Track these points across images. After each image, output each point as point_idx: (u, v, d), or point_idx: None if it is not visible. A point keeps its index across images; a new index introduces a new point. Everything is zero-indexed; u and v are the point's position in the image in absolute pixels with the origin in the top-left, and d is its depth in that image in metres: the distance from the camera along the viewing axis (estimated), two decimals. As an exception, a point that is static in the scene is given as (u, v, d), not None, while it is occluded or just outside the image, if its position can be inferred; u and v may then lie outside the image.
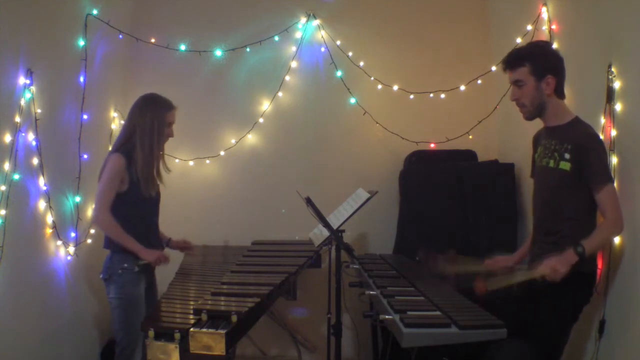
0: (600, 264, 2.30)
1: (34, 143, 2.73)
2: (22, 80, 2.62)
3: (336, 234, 2.69)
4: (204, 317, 2.06)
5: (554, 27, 2.85)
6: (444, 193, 3.39)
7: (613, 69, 2.28)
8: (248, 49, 3.75)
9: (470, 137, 3.71)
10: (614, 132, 2.29)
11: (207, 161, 3.84)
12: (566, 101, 2.66)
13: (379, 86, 3.76)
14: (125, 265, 2.59)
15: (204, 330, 1.98)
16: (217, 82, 3.84)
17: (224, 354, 1.96)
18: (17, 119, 2.59)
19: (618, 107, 2.27)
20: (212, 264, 3.08)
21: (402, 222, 3.57)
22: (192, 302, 2.29)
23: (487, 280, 2.14)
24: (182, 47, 3.73)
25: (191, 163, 3.83)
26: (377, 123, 3.72)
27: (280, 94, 3.80)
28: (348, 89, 3.74)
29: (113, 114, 3.64)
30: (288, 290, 2.99)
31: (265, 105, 3.80)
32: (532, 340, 2.20)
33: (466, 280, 2.28)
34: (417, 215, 3.42)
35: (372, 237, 3.82)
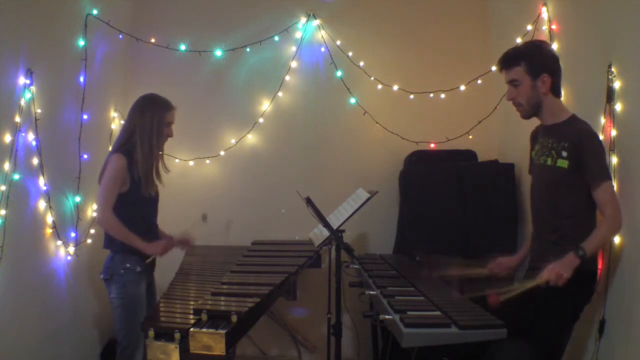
0: (600, 263, 2.30)
1: (34, 143, 2.73)
2: (22, 80, 2.62)
3: (336, 234, 2.69)
4: (204, 317, 2.06)
5: (554, 27, 2.85)
6: (444, 193, 3.39)
7: (613, 69, 2.28)
8: (248, 49, 3.76)
9: (470, 137, 3.71)
10: (614, 132, 2.29)
11: (207, 161, 3.84)
12: (566, 101, 2.67)
13: (379, 86, 3.76)
14: (127, 265, 2.59)
15: (204, 330, 1.98)
16: (217, 82, 3.84)
17: (224, 354, 1.96)
18: (17, 119, 2.59)
19: (618, 107, 2.27)
20: (212, 264, 3.08)
21: (402, 222, 3.57)
22: (192, 302, 2.29)
23: (499, 291, 2.12)
24: (182, 47, 3.73)
25: (191, 163, 3.83)
26: (377, 123, 3.72)
27: (280, 94, 3.80)
28: (348, 89, 3.74)
29: (113, 114, 3.64)
30: (288, 290, 2.99)
31: (265, 105, 3.80)
32: (533, 340, 2.20)
33: (471, 285, 2.27)
34: (417, 215, 3.41)
35: (372, 237, 3.82)
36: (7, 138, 2.52)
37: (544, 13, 2.93)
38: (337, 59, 3.74)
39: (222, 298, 2.33)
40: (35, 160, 2.75)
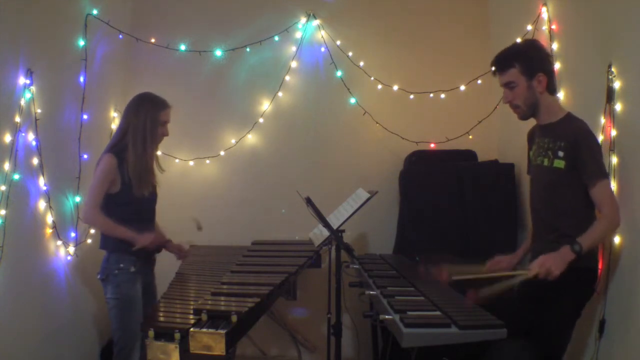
0: (600, 262, 2.30)
1: (34, 143, 2.73)
2: (22, 80, 2.62)
3: (336, 234, 2.69)
4: (204, 317, 2.06)
5: (554, 27, 2.85)
6: (444, 193, 3.39)
7: (613, 69, 2.28)
8: (248, 49, 3.76)
9: (470, 137, 3.71)
10: (614, 132, 2.29)
11: (207, 161, 3.84)
12: (566, 101, 2.67)
13: (379, 86, 3.76)
14: (122, 265, 2.59)
15: (204, 330, 1.98)
16: (217, 82, 3.84)
17: (224, 354, 1.96)
18: (17, 119, 2.59)
19: (618, 107, 2.27)
20: (212, 264, 3.08)
21: (402, 222, 3.57)
22: (192, 302, 2.29)
23: (479, 290, 2.11)
24: (182, 47, 3.73)
25: (191, 163, 3.83)
26: (377, 123, 3.72)
27: (280, 94, 3.80)
28: (348, 89, 3.74)
29: (113, 114, 3.64)
30: (288, 290, 2.99)
31: (265, 105, 3.80)
32: (534, 339, 2.20)
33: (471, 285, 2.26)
34: (417, 215, 3.41)
35: (372, 237, 3.82)
36: (7, 138, 2.52)
37: (544, 13, 2.93)
38: (337, 59, 3.74)
39: (222, 298, 2.33)
40: (35, 160, 2.75)
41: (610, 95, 2.29)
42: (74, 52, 3.11)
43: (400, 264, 3.07)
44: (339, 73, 3.75)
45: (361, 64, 3.75)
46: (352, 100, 3.75)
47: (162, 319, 2.17)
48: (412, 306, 2.10)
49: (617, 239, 2.26)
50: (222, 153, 3.82)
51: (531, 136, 2.44)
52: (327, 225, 2.64)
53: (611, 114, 2.30)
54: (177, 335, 1.93)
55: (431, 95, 3.75)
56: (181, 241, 3.00)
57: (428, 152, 3.69)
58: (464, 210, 3.34)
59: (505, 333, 1.90)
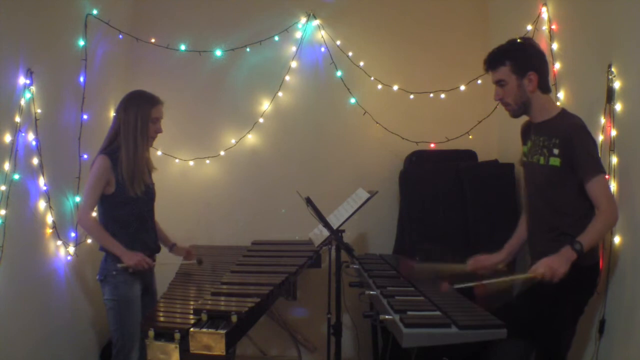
0: (600, 262, 2.29)
1: (34, 143, 2.73)
2: (22, 80, 2.62)
3: (336, 234, 2.69)
4: (204, 317, 2.06)
5: (554, 27, 2.85)
6: (444, 193, 3.39)
7: (613, 69, 2.28)
8: (248, 49, 3.75)
9: (470, 137, 3.71)
10: (614, 132, 2.29)
11: (207, 161, 3.84)
12: (566, 101, 2.67)
13: (379, 86, 3.76)
14: (119, 266, 2.58)
15: (204, 330, 1.98)
16: (217, 82, 3.84)
17: (224, 354, 1.96)
18: (17, 119, 2.59)
19: (618, 107, 2.27)
20: (212, 264, 3.08)
21: (402, 222, 3.57)
22: (192, 302, 2.29)
23: (487, 282, 2.12)
24: (182, 47, 3.73)
25: (191, 163, 3.83)
26: (377, 123, 3.72)
27: (280, 94, 3.80)
28: (348, 89, 3.74)
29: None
30: (288, 290, 2.99)
31: (265, 105, 3.81)
32: (536, 339, 2.20)
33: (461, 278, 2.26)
34: (417, 215, 3.41)
35: (372, 237, 3.82)
36: (7, 138, 2.52)
37: (544, 13, 2.93)
38: (337, 59, 3.74)
39: (222, 298, 2.33)
40: (35, 160, 2.75)
41: (610, 95, 2.29)
42: (74, 52, 3.11)
43: (400, 264, 3.07)
44: (339, 73, 3.75)
45: (361, 64, 3.75)
46: (352, 100, 3.75)
47: (162, 319, 2.17)
48: (412, 306, 2.11)
49: (617, 239, 2.26)
50: (222, 153, 3.82)
51: (526, 131, 2.42)
52: (327, 225, 2.64)
53: (611, 114, 2.30)
54: (177, 335, 1.93)
55: (431, 95, 3.75)
56: (181, 241, 3.00)
57: (428, 152, 3.69)
58: (464, 210, 3.34)
59: (505, 333, 1.90)
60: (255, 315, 2.33)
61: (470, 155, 3.67)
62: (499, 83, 2.25)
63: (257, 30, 3.75)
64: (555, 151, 2.15)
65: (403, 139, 3.71)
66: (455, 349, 2.07)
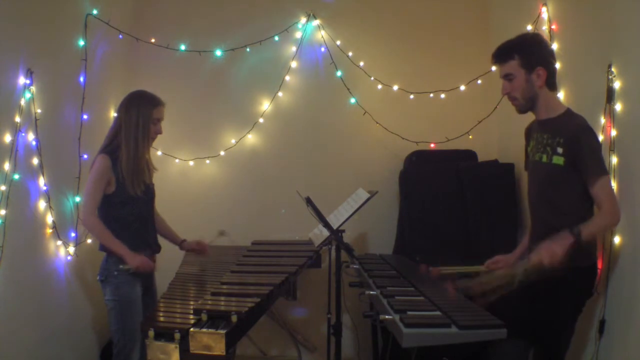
0: (600, 263, 2.29)
1: (34, 143, 2.73)
2: (22, 80, 2.62)
3: (336, 234, 2.69)
4: (204, 317, 2.06)
5: (554, 27, 2.85)
6: (444, 193, 3.39)
7: (613, 69, 2.28)
8: (248, 49, 3.75)
9: (470, 137, 3.71)
10: (614, 132, 2.29)
11: (207, 161, 3.84)
12: (566, 101, 2.67)
13: (379, 86, 3.76)
14: (121, 266, 2.58)
15: (204, 330, 1.98)
16: (217, 82, 3.84)
17: (224, 354, 1.96)
18: (17, 119, 2.59)
19: (618, 107, 2.27)
20: (212, 264, 3.08)
21: (402, 222, 3.57)
22: (192, 302, 2.29)
23: (483, 280, 2.12)
24: (182, 47, 3.73)
25: (191, 163, 3.83)
26: (377, 123, 3.72)
27: (280, 94, 3.80)
28: (348, 89, 3.74)
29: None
30: (288, 290, 2.99)
31: (265, 105, 3.81)
32: (536, 339, 2.20)
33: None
34: (417, 215, 3.41)
35: (372, 237, 3.82)
36: (7, 138, 2.52)
37: (544, 13, 2.93)
38: (337, 59, 3.74)
39: (222, 298, 2.33)
40: (35, 160, 2.75)
41: (610, 95, 2.29)
42: (74, 52, 3.11)
43: (400, 264, 3.07)
44: (339, 73, 3.75)
45: (361, 64, 3.75)
46: (352, 100, 3.75)
47: (162, 319, 2.17)
48: (412, 306, 2.10)
49: (617, 239, 2.26)
50: (222, 153, 3.82)
51: (529, 131, 2.42)
52: (327, 225, 2.64)
53: (611, 114, 2.30)
54: (177, 335, 1.93)
55: (431, 95, 3.75)
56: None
57: (428, 152, 3.69)
58: (464, 210, 3.34)
59: (505, 333, 1.90)
60: (255, 315, 2.33)
61: (470, 155, 3.67)
62: (506, 77, 2.24)
63: (257, 30, 3.75)
64: (560, 150, 2.14)
65: (403, 139, 3.71)
66: (455, 349, 2.07)
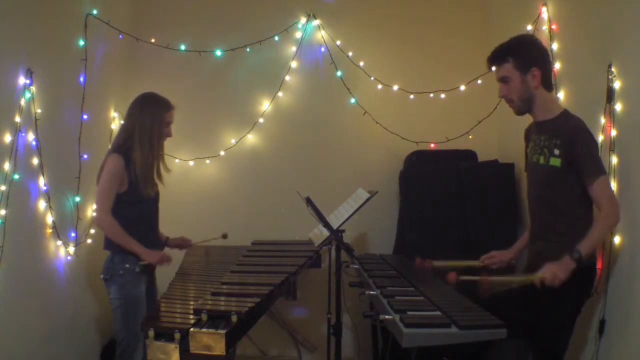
0: (600, 263, 2.29)
1: (34, 143, 2.73)
2: (22, 80, 2.62)
3: (336, 234, 2.69)
4: (204, 317, 2.06)
5: (554, 27, 2.85)
6: (444, 193, 3.39)
7: (613, 69, 2.28)
8: (248, 49, 3.75)
9: (470, 137, 3.70)
10: (614, 132, 2.29)
11: (207, 161, 3.84)
12: (566, 101, 2.67)
13: (379, 86, 3.76)
14: (127, 265, 2.60)
15: (204, 330, 1.98)
16: (217, 82, 3.84)
17: (224, 354, 1.96)
18: (17, 119, 2.59)
19: (618, 107, 2.27)
20: (212, 264, 3.08)
21: (402, 222, 3.57)
22: (192, 302, 2.29)
23: (492, 279, 2.14)
24: (182, 47, 3.73)
25: (191, 163, 3.83)
26: (377, 123, 3.72)
27: (280, 94, 3.80)
28: (348, 89, 3.74)
29: (113, 114, 3.64)
30: (288, 290, 2.99)
31: (265, 105, 3.81)
32: (535, 339, 2.20)
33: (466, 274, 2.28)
34: (417, 215, 3.41)
35: (372, 237, 3.82)
36: (7, 138, 2.52)
37: (544, 13, 2.93)
38: (337, 59, 3.74)
39: (222, 298, 2.33)
40: (35, 160, 2.75)
41: (610, 95, 2.29)
42: (74, 52, 3.11)
43: (400, 264, 3.07)
44: (339, 73, 3.75)
45: (361, 64, 3.75)
46: (352, 100, 3.75)
47: (162, 319, 2.17)
48: (412, 306, 2.10)
49: (617, 239, 2.26)
50: (222, 153, 3.82)
51: (528, 133, 2.43)
52: (327, 225, 2.64)
53: (611, 114, 2.30)
54: (177, 335, 1.93)
55: (431, 95, 3.75)
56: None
57: (428, 152, 3.69)
58: (464, 210, 3.34)
59: (505, 333, 1.90)
60: (255, 315, 2.33)
61: (470, 155, 3.67)
62: (502, 80, 2.26)
63: (257, 30, 3.75)
64: (556, 151, 2.15)
65: (403, 139, 3.70)
66: (455, 349, 2.07)
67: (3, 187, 2.47)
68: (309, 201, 2.56)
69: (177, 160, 3.79)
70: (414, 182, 3.49)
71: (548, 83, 2.24)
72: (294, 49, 3.79)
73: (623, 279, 2.22)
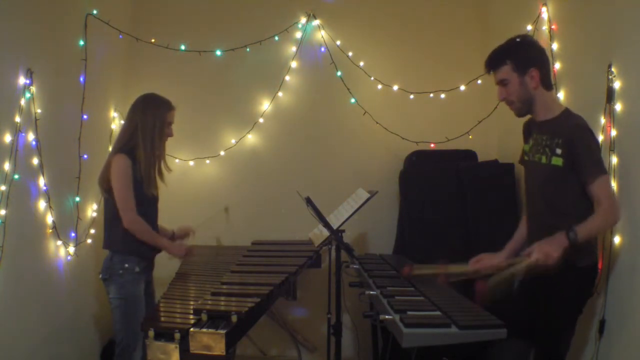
0: (600, 263, 2.29)
1: (34, 143, 2.73)
2: (22, 80, 2.62)
3: (336, 234, 2.69)
4: (204, 317, 2.06)
5: (554, 27, 2.85)
6: (444, 193, 3.39)
7: (613, 69, 2.28)
8: (248, 49, 3.75)
9: (470, 137, 3.70)
10: (614, 132, 2.29)
11: (207, 161, 3.84)
12: (566, 101, 2.67)
13: (379, 86, 3.76)
14: (126, 265, 2.60)
15: (204, 330, 1.98)
16: (217, 82, 3.84)
17: (224, 354, 1.96)
18: (17, 119, 2.59)
19: (618, 107, 2.27)
20: (212, 264, 3.08)
21: (402, 222, 3.57)
22: (192, 302, 2.29)
23: (487, 280, 2.14)
24: (182, 47, 3.73)
25: (191, 163, 3.83)
26: (377, 123, 3.72)
27: (280, 94, 3.80)
28: (348, 89, 3.74)
29: (113, 114, 3.64)
30: (288, 290, 2.98)
31: (265, 105, 3.81)
32: (535, 339, 2.19)
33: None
34: (417, 215, 3.41)
35: (372, 237, 3.82)
36: (7, 138, 2.52)
37: (544, 13, 2.93)
38: (337, 59, 3.74)
39: (222, 298, 2.33)
40: (35, 160, 2.75)
41: (610, 95, 2.29)
42: (74, 52, 3.11)
43: (400, 264, 3.07)
44: (339, 73, 3.75)
45: (361, 64, 3.75)
46: (352, 100, 3.75)
47: (162, 319, 2.17)
48: (412, 306, 2.10)
49: (617, 239, 2.26)
50: (222, 153, 3.82)
51: (528, 129, 2.42)
52: (327, 225, 2.64)
53: (611, 114, 2.30)
54: (177, 335, 1.93)
55: (431, 95, 3.75)
56: (180, 242, 3.01)
57: (428, 152, 3.69)
58: (464, 210, 3.33)
59: (505, 333, 1.90)
60: (255, 315, 2.33)
61: (470, 155, 3.67)
62: (501, 83, 2.26)
63: (257, 30, 3.75)
64: (558, 151, 2.15)
65: (403, 139, 3.71)
66: (455, 349, 2.07)
67: (3, 187, 2.47)
68: (309, 201, 2.56)
69: (177, 160, 3.79)
70: (414, 182, 3.49)
71: (547, 83, 2.23)
72: (294, 49, 3.79)
73: (623, 279, 2.22)
